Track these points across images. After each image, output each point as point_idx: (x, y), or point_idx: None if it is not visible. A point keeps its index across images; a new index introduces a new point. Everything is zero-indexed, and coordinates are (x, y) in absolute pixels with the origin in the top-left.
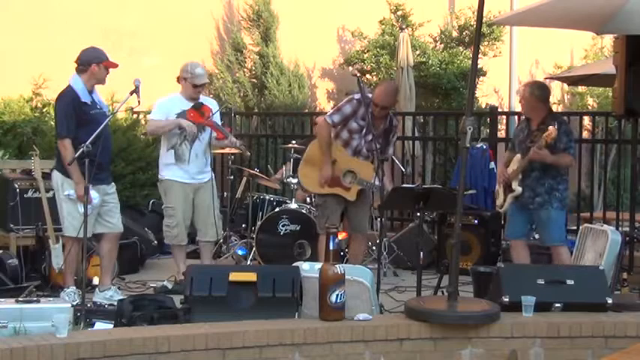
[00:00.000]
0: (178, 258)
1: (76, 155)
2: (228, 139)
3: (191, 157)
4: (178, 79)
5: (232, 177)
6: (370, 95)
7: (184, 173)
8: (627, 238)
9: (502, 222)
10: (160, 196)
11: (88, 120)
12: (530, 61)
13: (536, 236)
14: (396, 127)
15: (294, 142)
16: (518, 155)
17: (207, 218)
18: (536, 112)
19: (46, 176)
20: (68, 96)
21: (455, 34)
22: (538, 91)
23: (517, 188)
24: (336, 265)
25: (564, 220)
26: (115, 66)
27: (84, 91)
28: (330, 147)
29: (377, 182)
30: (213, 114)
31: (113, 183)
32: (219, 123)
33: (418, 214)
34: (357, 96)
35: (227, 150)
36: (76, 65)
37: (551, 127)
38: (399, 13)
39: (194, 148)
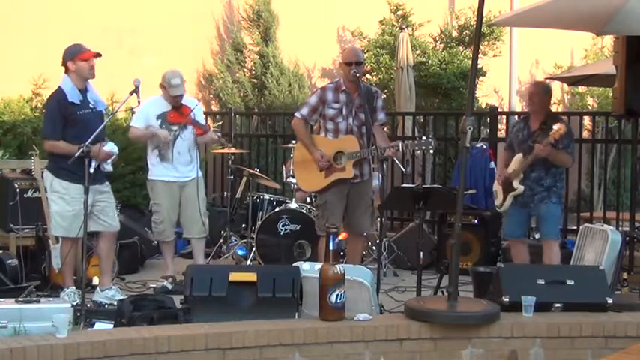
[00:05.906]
0: (167, 254)
1: (76, 155)
2: (207, 135)
3: (174, 155)
4: (160, 85)
5: (232, 177)
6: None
7: (169, 171)
8: (627, 238)
9: (502, 222)
10: None
11: (76, 120)
12: (530, 61)
13: (537, 236)
14: (377, 93)
15: (294, 142)
16: (519, 155)
17: (192, 215)
18: (543, 112)
19: None
20: (54, 97)
21: (455, 34)
22: (549, 91)
23: (519, 187)
24: (336, 265)
25: (561, 215)
26: (96, 54)
27: (73, 91)
28: (310, 138)
29: (377, 181)
30: (192, 110)
31: (107, 182)
32: (202, 119)
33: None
34: (322, 85)
35: (226, 150)
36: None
37: (559, 125)
38: (399, 13)
39: (176, 146)
